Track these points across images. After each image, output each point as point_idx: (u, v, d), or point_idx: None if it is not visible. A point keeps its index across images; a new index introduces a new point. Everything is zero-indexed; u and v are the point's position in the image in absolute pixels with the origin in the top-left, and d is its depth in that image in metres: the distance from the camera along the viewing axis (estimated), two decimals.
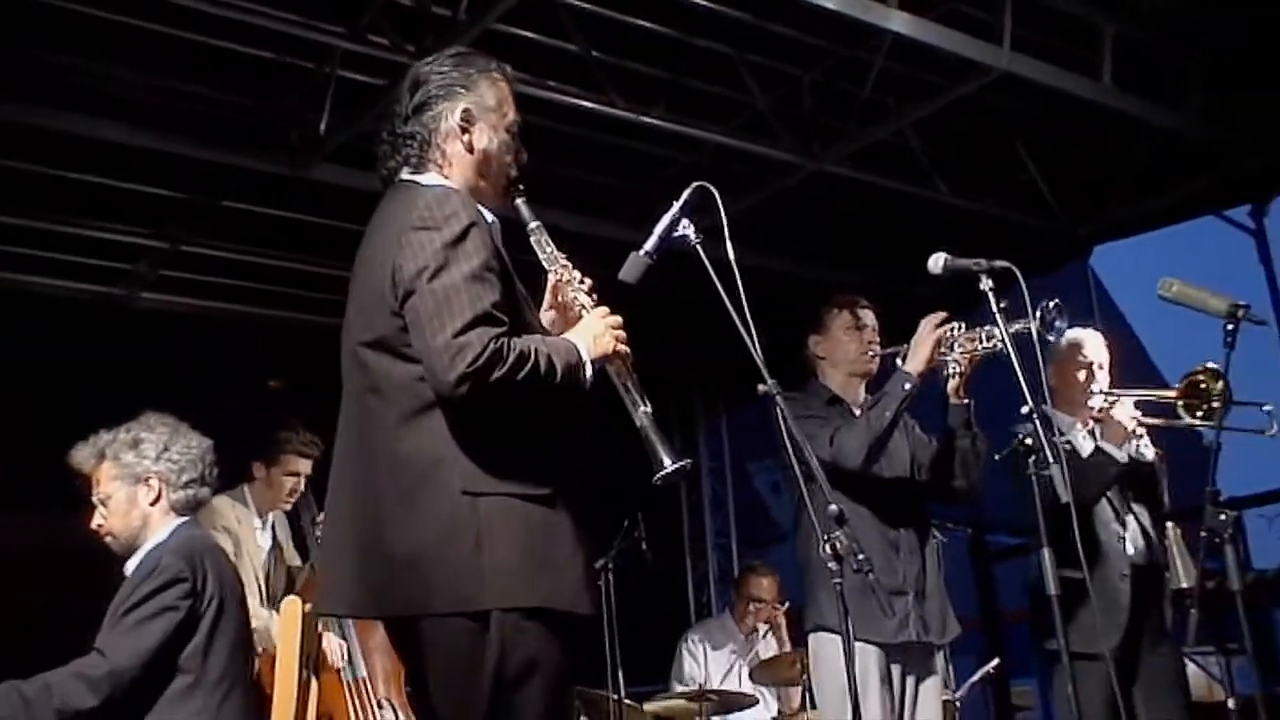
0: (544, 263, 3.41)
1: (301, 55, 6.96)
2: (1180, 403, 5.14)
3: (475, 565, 2.97)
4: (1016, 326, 4.36)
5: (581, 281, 3.38)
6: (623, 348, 3.25)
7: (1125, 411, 5.20)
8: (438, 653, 3.08)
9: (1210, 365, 5.00)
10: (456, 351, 2.94)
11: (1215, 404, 4.97)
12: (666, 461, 3.16)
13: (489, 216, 3.29)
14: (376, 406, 3.14)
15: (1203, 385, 5.04)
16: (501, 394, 2.97)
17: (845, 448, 4.77)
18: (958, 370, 4.79)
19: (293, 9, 6.35)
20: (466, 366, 2.93)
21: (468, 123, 3.32)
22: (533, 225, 3.39)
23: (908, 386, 4.79)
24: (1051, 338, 4.45)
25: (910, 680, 4.87)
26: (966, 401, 4.89)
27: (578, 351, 3.16)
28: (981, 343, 4.67)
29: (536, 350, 3.04)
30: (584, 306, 3.33)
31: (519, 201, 3.40)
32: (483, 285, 3.04)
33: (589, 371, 3.17)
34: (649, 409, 3.22)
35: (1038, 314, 4.34)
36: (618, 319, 3.28)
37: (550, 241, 3.40)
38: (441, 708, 3.15)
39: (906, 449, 5.08)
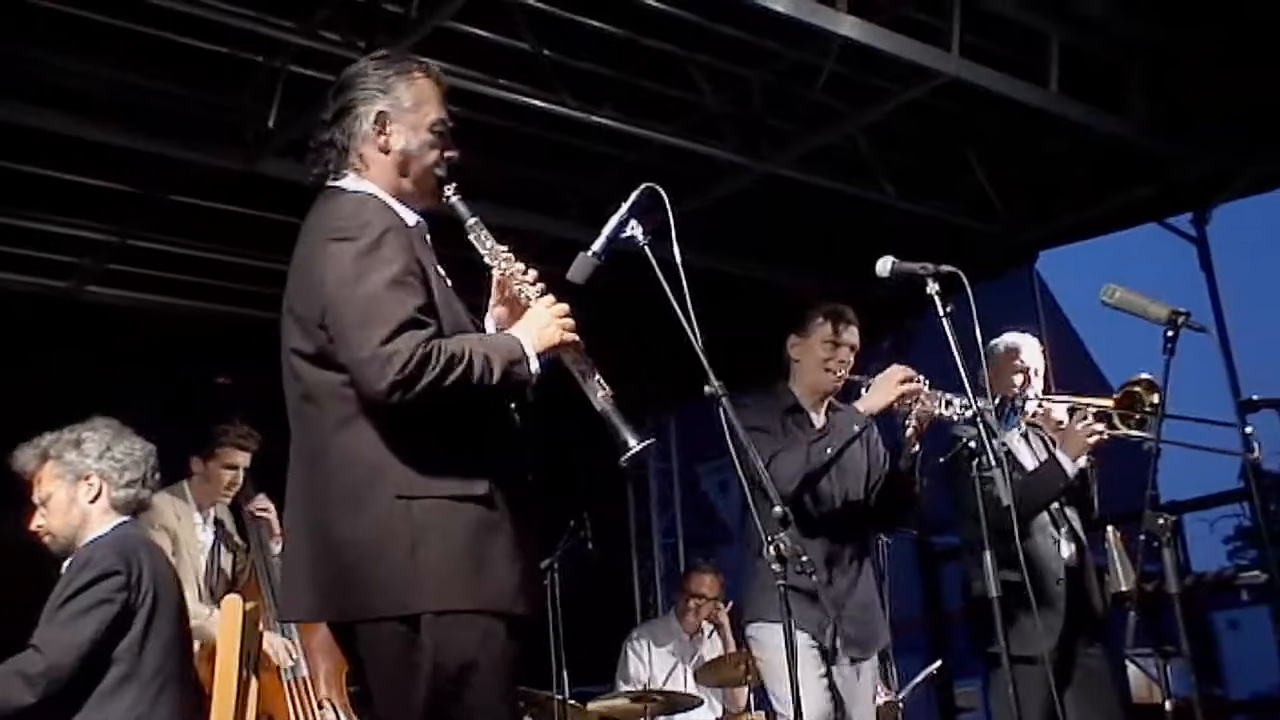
0: (485, 258, 3.40)
1: (253, 50, 6.92)
2: (1116, 412, 5.19)
3: (410, 569, 2.99)
4: (980, 405, 4.40)
5: (525, 273, 3.37)
6: (570, 336, 3.25)
7: (1088, 426, 5.24)
8: (375, 657, 3.11)
9: (1146, 376, 5.06)
10: (385, 360, 2.94)
11: (1149, 414, 5.03)
12: (631, 442, 3.18)
13: (410, 219, 3.31)
14: (312, 414, 3.16)
15: (1139, 395, 5.10)
16: (436, 397, 2.97)
17: (780, 474, 4.72)
18: (911, 425, 4.88)
19: (245, 4, 6.31)
20: (396, 374, 2.93)
21: (382, 125, 3.32)
22: (470, 221, 3.37)
23: (857, 428, 4.85)
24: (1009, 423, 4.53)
25: (841, 677, 4.89)
26: (915, 451, 4.97)
27: (520, 346, 3.17)
28: (940, 407, 4.76)
29: (470, 350, 3.05)
30: (529, 298, 3.32)
31: (454, 200, 3.39)
32: (404, 290, 3.05)
33: (534, 365, 3.18)
34: (609, 392, 3.23)
35: (997, 401, 4.41)
36: (564, 308, 3.28)
37: (490, 236, 3.39)
38: (382, 711, 3.16)
39: (864, 463, 5.13)
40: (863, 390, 4.95)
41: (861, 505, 5.09)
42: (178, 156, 7.54)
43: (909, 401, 4.82)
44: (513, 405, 3.34)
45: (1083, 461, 5.29)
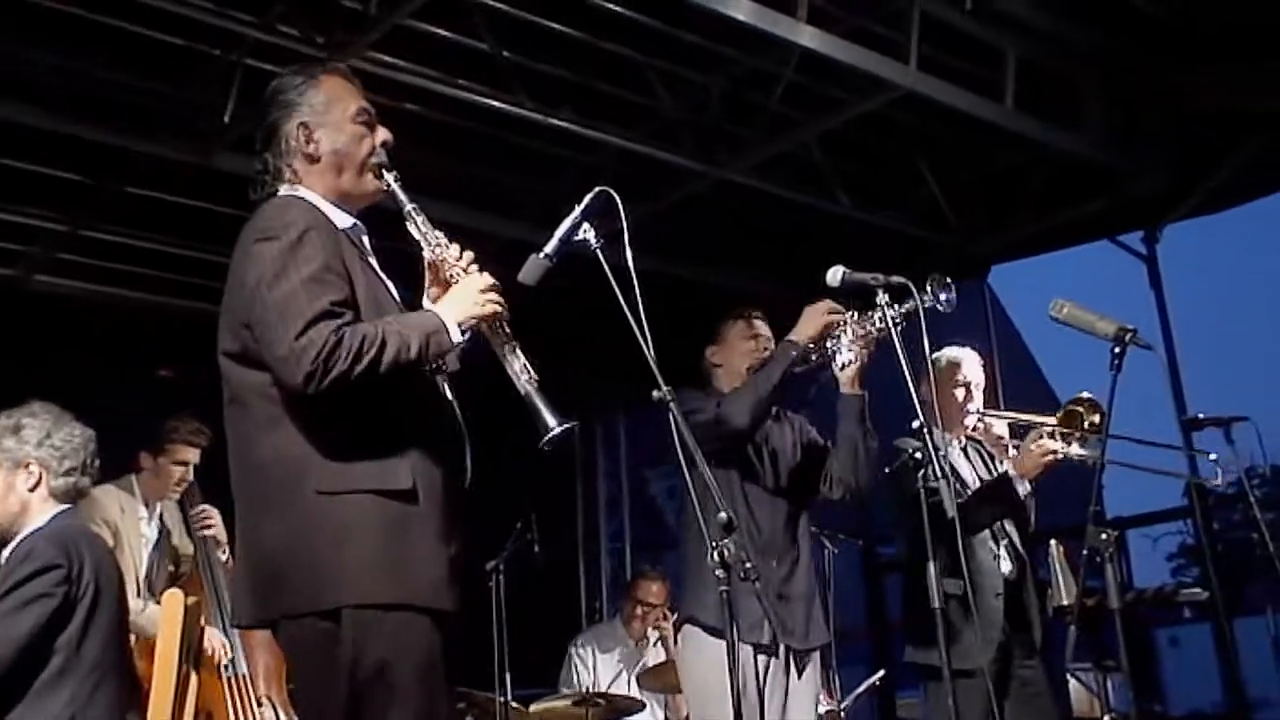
0: (420, 243, 3.42)
1: (210, 43, 6.87)
2: (1057, 431, 5.23)
3: (332, 564, 3.00)
4: (906, 307, 4.39)
5: (460, 257, 3.39)
6: (493, 307, 3.26)
7: (1042, 446, 5.26)
8: (297, 653, 3.13)
9: (1088, 395, 5.10)
10: (299, 354, 2.97)
11: (1089, 433, 5.07)
12: (551, 423, 3.19)
13: (344, 221, 3.34)
14: (238, 416, 3.20)
15: (1080, 415, 5.13)
16: (356, 380, 2.99)
17: (732, 408, 4.75)
18: (852, 359, 4.80)
19: None
20: (310, 365, 2.96)
21: (306, 135, 3.37)
22: (408, 208, 3.40)
23: (793, 353, 4.78)
24: (941, 308, 4.43)
25: (779, 681, 4.87)
26: (861, 393, 4.89)
27: (437, 318, 3.19)
28: (874, 326, 4.66)
29: (383, 329, 3.07)
30: (458, 277, 3.34)
31: (394, 186, 3.41)
32: (321, 285, 3.07)
33: (455, 335, 3.20)
34: (534, 375, 3.25)
35: (927, 288, 4.35)
36: (489, 280, 3.30)
37: (427, 223, 3.41)
38: (306, 708, 3.16)
39: (794, 449, 5.12)
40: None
41: (796, 490, 5.07)
42: (131, 148, 7.48)
43: (839, 330, 4.79)
44: (452, 399, 3.36)
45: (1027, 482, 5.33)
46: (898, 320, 4.44)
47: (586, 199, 3.58)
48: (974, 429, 5.60)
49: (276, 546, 3.05)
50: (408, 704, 3.00)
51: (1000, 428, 5.57)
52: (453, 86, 7.07)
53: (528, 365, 3.26)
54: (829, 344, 4.81)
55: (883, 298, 4.30)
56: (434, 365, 3.23)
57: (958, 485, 5.47)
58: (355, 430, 3.08)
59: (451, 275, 3.36)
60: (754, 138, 7.99)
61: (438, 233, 3.42)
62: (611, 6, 6.92)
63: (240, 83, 6.98)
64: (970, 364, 5.65)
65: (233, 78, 6.98)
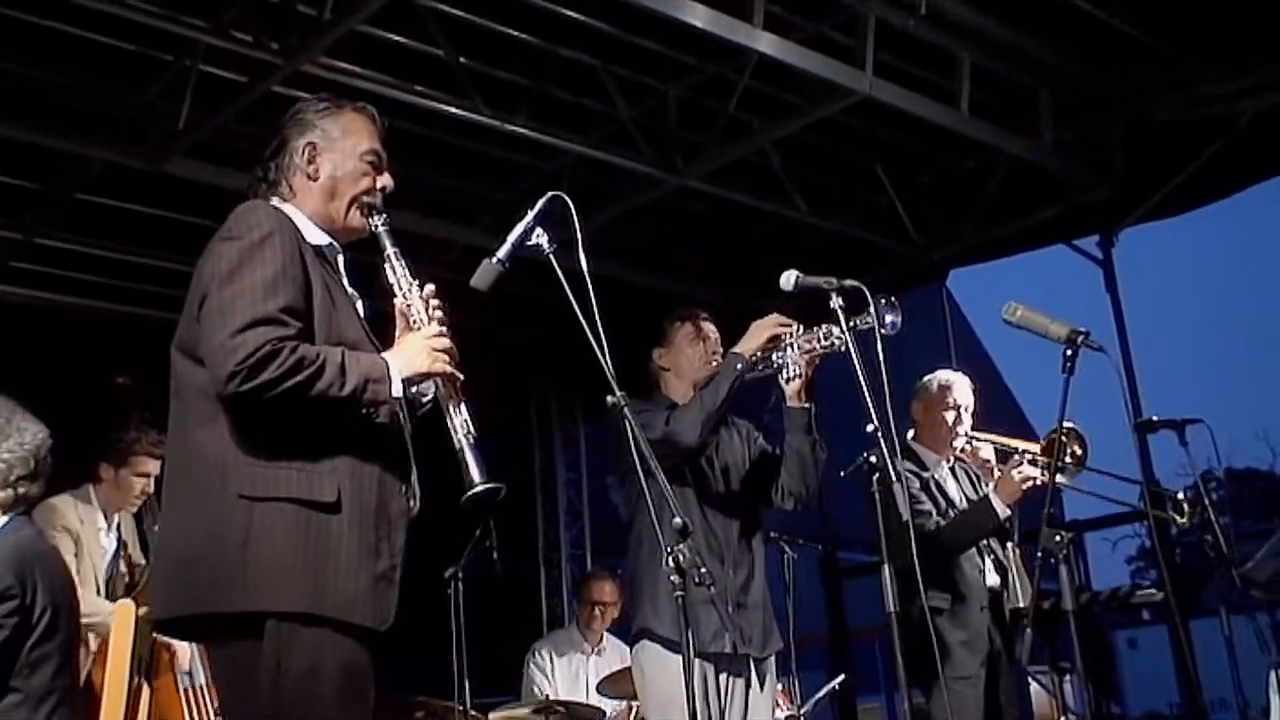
0: (394, 286, 3.42)
1: (163, 48, 6.84)
2: (1041, 459, 5.31)
3: (239, 564, 2.99)
4: (854, 322, 4.38)
5: (428, 305, 3.39)
6: (441, 367, 3.26)
7: (1022, 473, 5.32)
8: (218, 656, 3.15)
9: (1070, 425, 5.17)
10: (231, 350, 2.98)
11: (1071, 465, 5.16)
12: (477, 479, 3.17)
13: (319, 238, 3.36)
14: (178, 410, 3.21)
15: (1064, 444, 5.18)
16: (275, 395, 2.99)
17: (680, 425, 4.72)
18: (798, 373, 4.79)
19: (155, 1, 6.22)
20: (236, 364, 2.96)
21: (311, 155, 3.41)
22: (389, 251, 3.41)
23: (739, 366, 4.76)
24: (885, 331, 4.44)
25: (738, 690, 4.87)
26: (807, 406, 4.88)
27: (384, 366, 3.18)
28: (819, 341, 4.67)
29: (325, 359, 3.07)
30: (420, 325, 3.35)
31: (381, 229, 3.43)
32: (272, 290, 3.08)
33: (396, 388, 3.18)
34: (472, 430, 3.24)
35: (872, 308, 4.35)
36: (444, 341, 3.30)
37: (405, 271, 3.41)
38: (227, 712, 3.15)
39: (744, 458, 5.11)
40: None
41: (749, 498, 5.06)
42: (85, 154, 7.44)
43: (784, 345, 4.79)
44: (405, 424, 3.36)
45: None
46: (841, 342, 4.45)
47: (539, 204, 3.59)
48: (962, 451, 5.67)
49: (191, 543, 3.05)
50: (328, 715, 2.99)
51: (986, 451, 5.67)
52: (409, 93, 7.04)
53: (468, 420, 3.26)
54: (775, 356, 4.80)
55: (836, 301, 4.30)
56: (366, 410, 3.20)
57: (946, 505, 5.56)
58: (286, 438, 3.07)
59: (414, 324, 3.37)
60: (711, 144, 7.99)
61: (414, 281, 3.42)
62: (568, 13, 6.92)
63: (194, 88, 6.93)
64: (961, 388, 5.75)
65: (186, 83, 6.93)
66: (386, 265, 3.41)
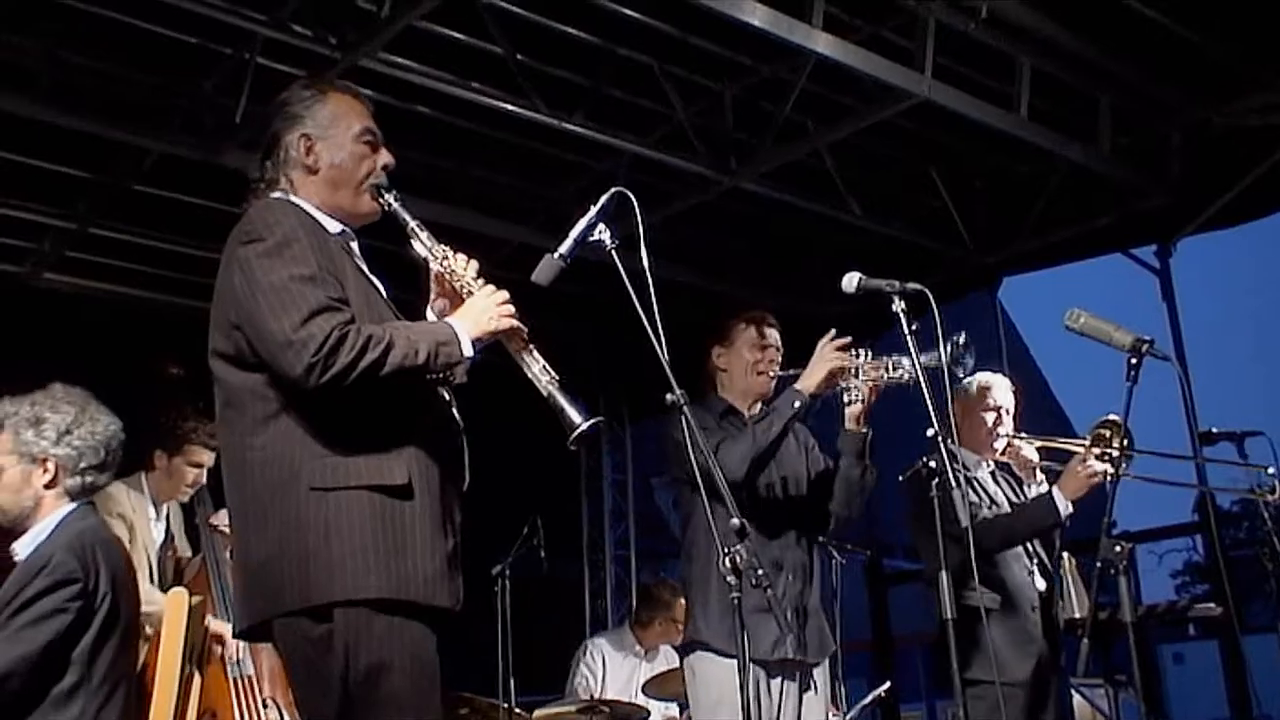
0: (424, 255, 3.42)
1: (222, 41, 6.86)
2: (1103, 453, 5.21)
3: (322, 559, 2.98)
4: (924, 359, 4.31)
5: (466, 267, 3.38)
6: (509, 322, 3.26)
7: (1089, 467, 5.22)
8: (291, 655, 3.11)
9: (1114, 418, 5.07)
10: (301, 344, 2.96)
11: (1116, 456, 5.04)
12: (577, 419, 3.16)
13: (333, 227, 3.34)
14: (232, 418, 3.17)
15: (1106, 438, 5.11)
16: (356, 378, 2.97)
17: (728, 460, 4.63)
18: (860, 398, 4.73)
19: None
20: (312, 356, 2.94)
21: (307, 147, 3.38)
22: (412, 225, 3.39)
23: (797, 405, 4.71)
24: (959, 373, 4.42)
25: (791, 695, 4.83)
26: (865, 431, 4.82)
27: (451, 330, 3.18)
28: (888, 372, 4.60)
29: (391, 333, 3.06)
30: (469, 289, 3.33)
31: (395, 205, 3.41)
32: (314, 284, 3.06)
33: (467, 349, 3.18)
34: (555, 375, 3.23)
35: (948, 348, 4.30)
36: (503, 295, 3.29)
37: (430, 237, 3.40)
38: (302, 709, 3.13)
39: (804, 466, 5.07)
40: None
41: (805, 507, 5.02)
42: (142, 145, 7.48)
43: (853, 374, 4.73)
44: (449, 400, 3.34)
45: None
46: (910, 375, 4.40)
47: (602, 200, 3.55)
48: (1003, 453, 5.59)
49: (270, 548, 3.03)
50: (401, 708, 2.98)
51: (1029, 451, 5.55)
52: (465, 89, 7.05)
53: (547, 366, 3.25)
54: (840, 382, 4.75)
55: (899, 305, 4.24)
56: (440, 376, 3.20)
57: (989, 501, 5.47)
58: (350, 427, 3.06)
59: (460, 287, 3.36)
60: (766, 145, 7.96)
61: (442, 245, 3.41)
62: (626, 12, 6.91)
63: (251, 81, 6.95)
64: (1001, 389, 5.64)
65: (244, 76, 6.95)
66: (412, 238, 3.40)
